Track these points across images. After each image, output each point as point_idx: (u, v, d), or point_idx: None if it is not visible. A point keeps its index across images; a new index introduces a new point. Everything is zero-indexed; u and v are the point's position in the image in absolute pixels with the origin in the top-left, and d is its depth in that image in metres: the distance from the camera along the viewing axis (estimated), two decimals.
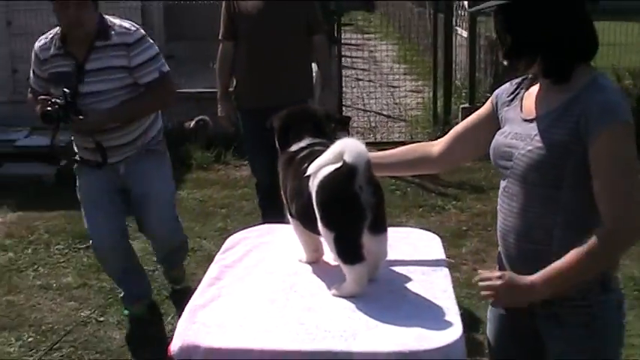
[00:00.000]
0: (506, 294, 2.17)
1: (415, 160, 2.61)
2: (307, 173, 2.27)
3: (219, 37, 5.14)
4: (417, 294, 2.29)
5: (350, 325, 2.09)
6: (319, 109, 2.66)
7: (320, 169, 2.23)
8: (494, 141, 2.33)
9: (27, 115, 8.34)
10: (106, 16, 4.01)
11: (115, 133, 4.02)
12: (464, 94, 9.10)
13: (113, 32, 3.93)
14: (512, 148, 2.24)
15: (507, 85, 2.43)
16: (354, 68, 13.66)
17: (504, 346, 2.49)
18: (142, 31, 4.04)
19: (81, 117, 3.84)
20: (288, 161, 2.49)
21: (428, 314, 2.15)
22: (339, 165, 2.18)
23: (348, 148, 2.17)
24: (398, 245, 2.57)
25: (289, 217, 2.53)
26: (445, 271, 2.47)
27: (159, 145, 4.31)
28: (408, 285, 2.35)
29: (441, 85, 8.95)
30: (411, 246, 2.67)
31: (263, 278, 2.43)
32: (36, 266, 5.33)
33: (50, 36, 4.00)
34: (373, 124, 9.61)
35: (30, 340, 4.26)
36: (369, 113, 10.11)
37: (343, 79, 9.41)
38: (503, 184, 2.33)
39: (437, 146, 2.57)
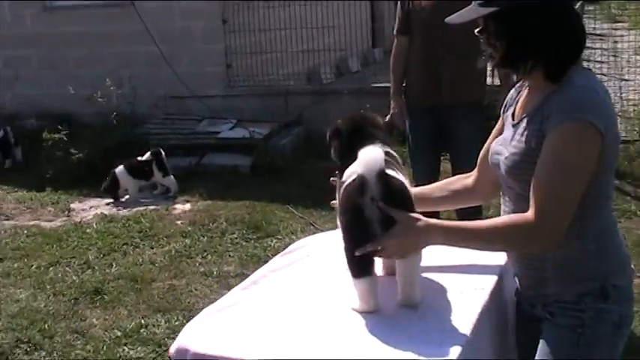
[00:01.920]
0: (401, 234, 2.07)
1: (459, 191, 2.52)
2: (342, 179, 2.22)
3: (394, 32, 5.06)
4: (436, 314, 2.17)
5: (346, 341, 2.03)
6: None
7: (348, 178, 2.18)
8: (490, 148, 2.29)
9: (238, 108, 8.88)
10: None
11: None
12: None
13: None
14: (498, 154, 2.21)
15: (512, 91, 2.32)
16: (588, 60, 12.85)
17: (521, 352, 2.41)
18: None
19: None
20: None
21: (433, 337, 2.03)
22: (354, 177, 2.11)
23: (362, 158, 2.11)
24: (453, 257, 2.44)
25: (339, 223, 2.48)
26: (488, 289, 2.30)
27: None
28: (435, 304, 2.23)
29: None
30: (468, 258, 2.49)
31: (295, 288, 2.40)
32: (205, 253, 5.61)
33: None
34: None
35: (177, 323, 4.47)
36: None
37: None
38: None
39: (471, 177, 2.50)
